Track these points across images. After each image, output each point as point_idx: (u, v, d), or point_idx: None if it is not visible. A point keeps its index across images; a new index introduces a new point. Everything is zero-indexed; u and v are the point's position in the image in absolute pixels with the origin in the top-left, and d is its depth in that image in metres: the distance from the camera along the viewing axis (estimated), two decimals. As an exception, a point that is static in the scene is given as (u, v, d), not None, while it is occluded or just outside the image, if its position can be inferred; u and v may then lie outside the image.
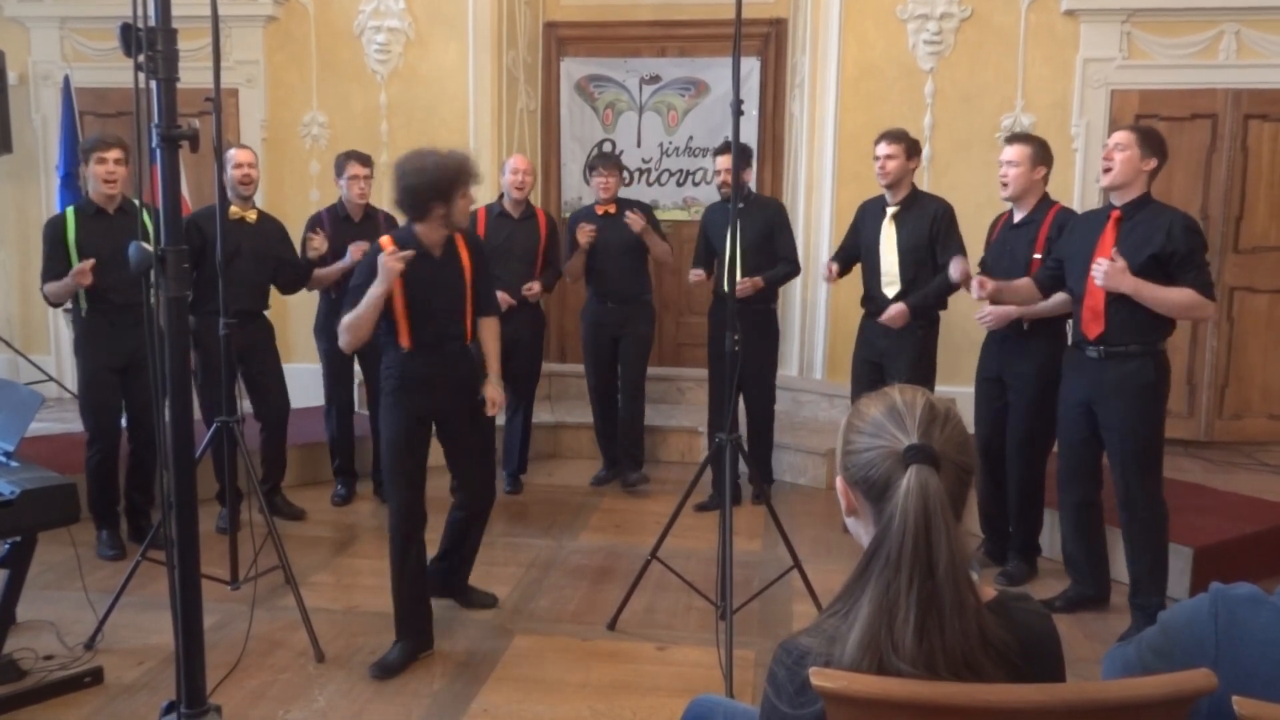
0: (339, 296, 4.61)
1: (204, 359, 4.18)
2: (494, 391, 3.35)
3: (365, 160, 4.75)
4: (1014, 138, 3.91)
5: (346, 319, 3.13)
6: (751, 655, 3.29)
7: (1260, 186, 5.53)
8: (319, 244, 4.58)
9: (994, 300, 3.71)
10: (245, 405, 4.60)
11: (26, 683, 2.96)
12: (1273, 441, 5.62)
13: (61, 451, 4.46)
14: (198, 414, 4.11)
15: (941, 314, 4.34)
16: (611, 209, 5.08)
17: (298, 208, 5.74)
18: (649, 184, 6.60)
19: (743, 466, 4.36)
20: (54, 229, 3.99)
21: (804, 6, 5.92)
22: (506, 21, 6.10)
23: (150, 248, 1.77)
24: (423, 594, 3.28)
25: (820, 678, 1.14)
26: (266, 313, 4.56)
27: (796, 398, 5.86)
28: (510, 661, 3.26)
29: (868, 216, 4.40)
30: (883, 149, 4.19)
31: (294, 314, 5.85)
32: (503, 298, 4.48)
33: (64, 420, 5.52)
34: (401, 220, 3.31)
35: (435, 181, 3.06)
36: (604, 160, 5.16)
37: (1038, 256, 3.74)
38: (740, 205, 4.60)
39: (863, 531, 1.31)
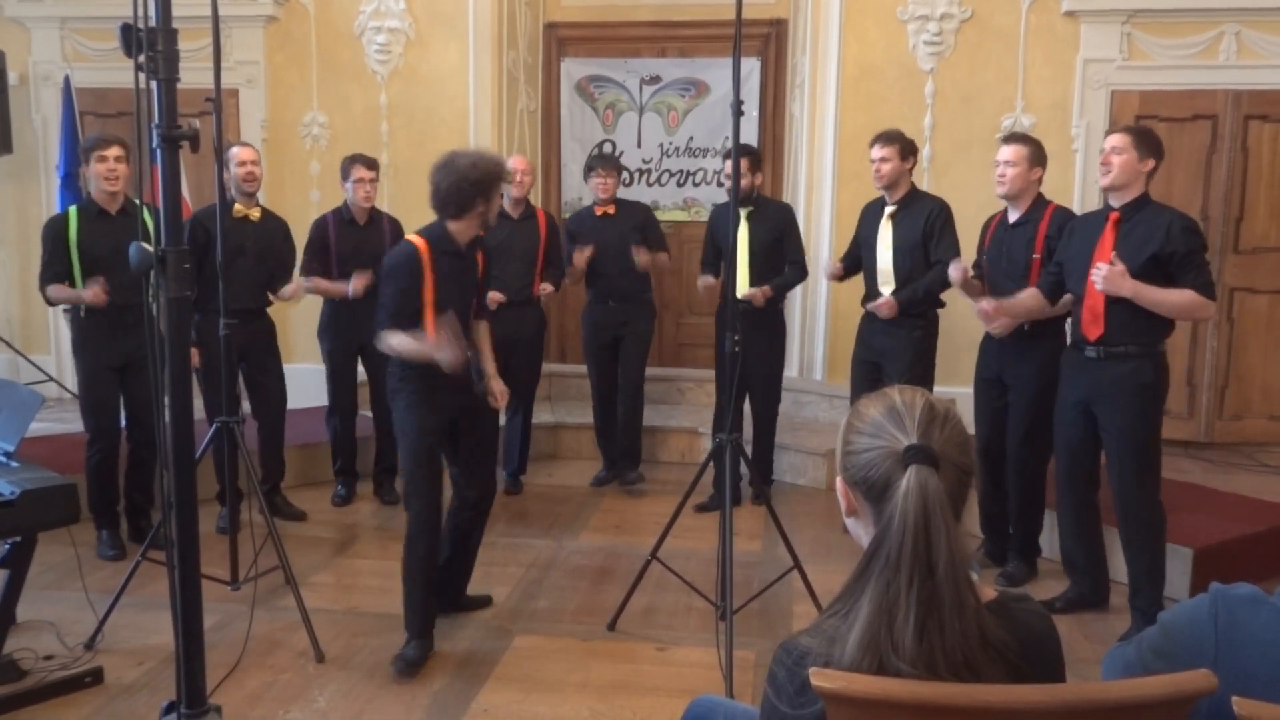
0: (345, 299, 4.65)
1: (208, 358, 4.18)
2: (497, 383, 3.41)
3: (371, 163, 4.74)
4: (1011, 138, 3.91)
5: (394, 344, 3.13)
6: (751, 655, 3.29)
7: (1260, 187, 5.53)
8: (291, 292, 4.53)
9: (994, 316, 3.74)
10: (247, 405, 4.63)
11: (26, 683, 2.96)
12: (1273, 442, 5.61)
13: (61, 451, 4.46)
14: (201, 413, 4.11)
15: (941, 314, 4.34)
16: (611, 210, 5.09)
17: (298, 208, 5.74)
18: (649, 184, 6.60)
19: (744, 467, 4.36)
20: (55, 228, 3.98)
21: (804, 7, 5.92)
22: (507, 22, 6.10)
23: (151, 248, 1.77)
24: (433, 591, 3.31)
25: (820, 678, 1.14)
26: (269, 311, 4.56)
27: (797, 398, 5.86)
28: (510, 661, 3.27)
29: (868, 217, 4.44)
30: (876, 151, 4.21)
31: (295, 314, 5.85)
32: (495, 296, 4.51)
33: (64, 420, 5.52)
34: (410, 222, 3.35)
35: (480, 179, 3.16)
36: (602, 161, 5.16)
37: (1037, 256, 3.74)
38: (750, 208, 4.66)
39: (862, 532, 1.31)
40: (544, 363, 5.39)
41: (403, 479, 3.30)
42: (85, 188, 4.76)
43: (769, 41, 6.40)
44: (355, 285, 4.54)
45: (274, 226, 4.50)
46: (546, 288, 4.95)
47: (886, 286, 4.26)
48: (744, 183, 4.58)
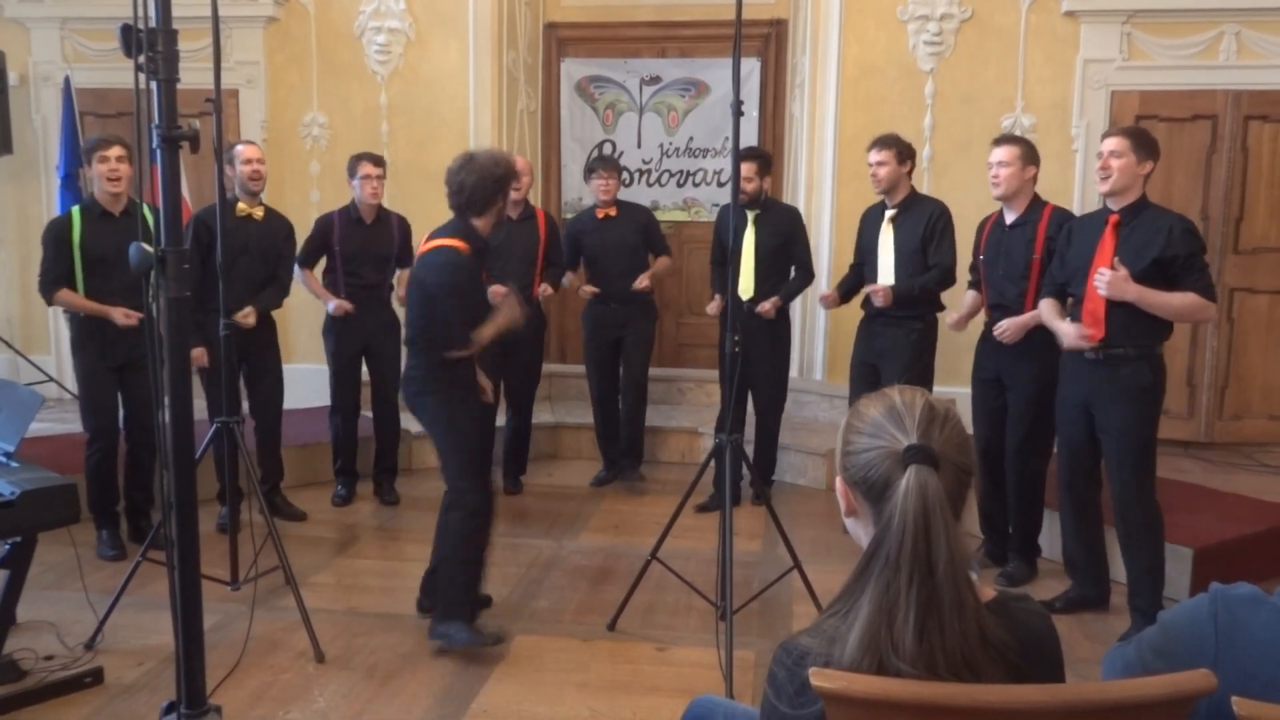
0: (349, 297, 4.68)
1: (212, 357, 4.17)
2: (483, 379, 3.57)
3: (378, 161, 4.73)
4: (1001, 139, 3.91)
5: (486, 337, 3.30)
6: (751, 655, 3.29)
7: (1260, 187, 5.53)
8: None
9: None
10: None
11: (27, 683, 2.96)
12: (1273, 442, 5.61)
13: (61, 451, 4.46)
14: (203, 413, 4.11)
15: (940, 315, 4.34)
16: (612, 211, 5.09)
17: (298, 208, 5.74)
18: (649, 185, 6.60)
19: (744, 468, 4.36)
20: (58, 229, 3.98)
21: (804, 7, 5.92)
22: (507, 22, 6.10)
23: (151, 249, 1.77)
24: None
25: (820, 678, 1.14)
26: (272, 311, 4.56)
27: (797, 398, 5.85)
28: (510, 661, 3.27)
29: (868, 221, 4.44)
30: (873, 156, 4.22)
31: (295, 314, 5.84)
32: (497, 290, 4.51)
33: (64, 420, 5.52)
34: (422, 223, 3.46)
35: (503, 175, 3.31)
36: (603, 163, 5.17)
37: (1037, 257, 3.74)
38: (757, 211, 4.66)
39: (862, 532, 1.31)
40: (544, 363, 5.39)
41: (450, 471, 3.33)
42: (87, 189, 4.76)
43: (769, 41, 6.40)
44: (336, 309, 4.65)
45: (277, 226, 4.50)
46: (546, 289, 4.95)
47: (882, 304, 4.26)
48: (753, 186, 4.60)
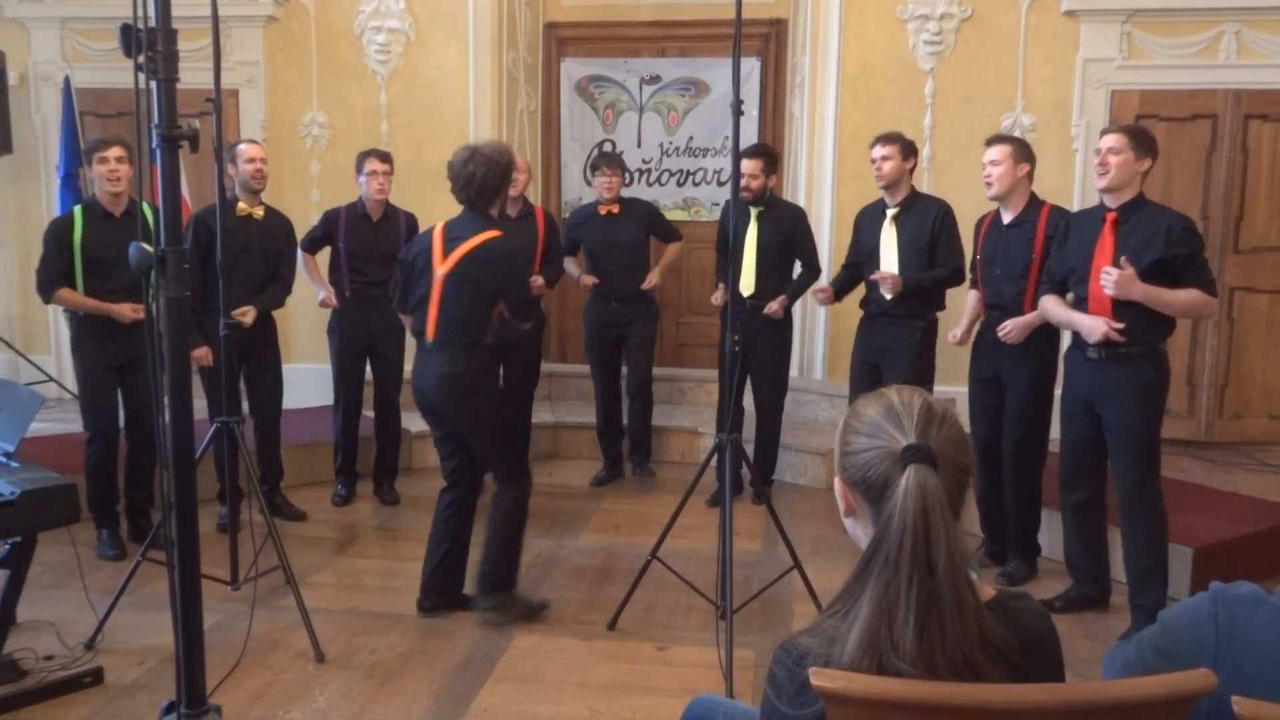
0: (353, 295, 4.69)
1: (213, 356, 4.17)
2: None
3: (385, 157, 4.73)
4: (994, 139, 3.90)
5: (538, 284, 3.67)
6: (751, 655, 3.29)
7: (1260, 186, 5.53)
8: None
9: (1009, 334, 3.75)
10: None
11: (26, 683, 2.96)
12: (1273, 441, 5.62)
13: (61, 451, 4.46)
14: (203, 413, 4.11)
15: (940, 315, 4.34)
16: (615, 209, 5.09)
17: (298, 208, 5.73)
18: (649, 184, 6.60)
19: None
20: (59, 229, 3.98)
21: (804, 6, 5.92)
22: (506, 22, 6.10)
23: (150, 249, 1.77)
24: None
25: (820, 678, 1.14)
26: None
27: (797, 398, 5.85)
28: (510, 661, 3.26)
29: (867, 220, 4.42)
30: (878, 151, 4.21)
31: (295, 313, 5.84)
32: (536, 280, 4.62)
33: (64, 420, 5.52)
34: (423, 224, 3.49)
35: (508, 165, 3.39)
36: (607, 160, 5.16)
37: (1036, 256, 3.74)
38: (761, 208, 4.66)
39: (861, 532, 1.31)
40: (544, 362, 5.39)
41: (502, 463, 3.51)
42: (88, 189, 4.75)
43: (769, 41, 6.40)
44: (325, 300, 4.69)
45: (277, 225, 4.49)
46: (537, 280, 4.84)
47: (890, 292, 4.25)
48: (758, 183, 4.60)
